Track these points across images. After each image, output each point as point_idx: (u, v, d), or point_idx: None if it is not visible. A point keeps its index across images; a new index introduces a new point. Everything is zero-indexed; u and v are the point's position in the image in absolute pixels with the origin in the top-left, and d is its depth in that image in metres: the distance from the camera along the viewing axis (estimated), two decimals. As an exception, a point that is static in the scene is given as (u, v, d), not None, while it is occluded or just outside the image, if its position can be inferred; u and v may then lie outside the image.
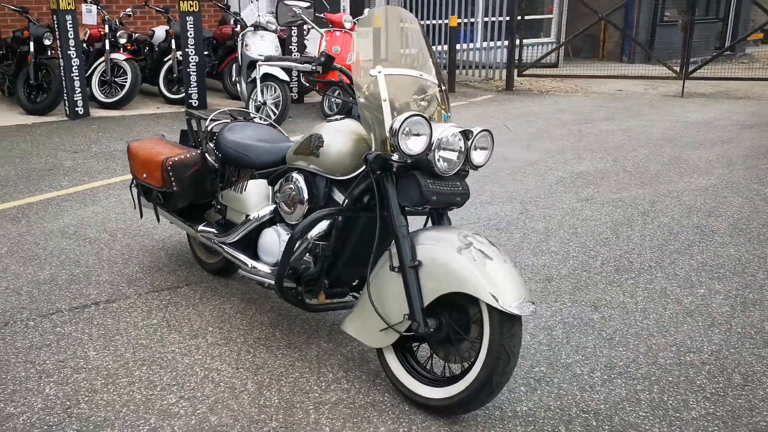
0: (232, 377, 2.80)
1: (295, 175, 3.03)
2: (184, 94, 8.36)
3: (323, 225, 2.85)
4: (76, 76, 7.55)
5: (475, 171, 2.78)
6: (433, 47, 11.31)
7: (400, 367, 2.69)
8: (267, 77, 7.28)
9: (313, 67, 2.75)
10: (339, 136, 2.84)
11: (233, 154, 3.33)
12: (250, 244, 3.20)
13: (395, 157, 2.57)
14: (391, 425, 2.53)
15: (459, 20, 12.46)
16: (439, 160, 2.61)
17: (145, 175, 3.51)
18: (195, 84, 8.29)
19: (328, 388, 2.75)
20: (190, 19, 8.08)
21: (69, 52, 7.47)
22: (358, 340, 2.75)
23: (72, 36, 7.44)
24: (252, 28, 7.56)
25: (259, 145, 3.30)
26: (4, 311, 3.29)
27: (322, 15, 8.54)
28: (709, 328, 3.30)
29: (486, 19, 12.77)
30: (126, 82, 8.12)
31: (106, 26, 8.21)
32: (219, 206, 3.46)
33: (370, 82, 2.70)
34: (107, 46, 8.15)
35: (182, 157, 3.40)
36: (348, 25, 8.19)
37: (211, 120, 3.53)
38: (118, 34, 8.27)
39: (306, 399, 2.67)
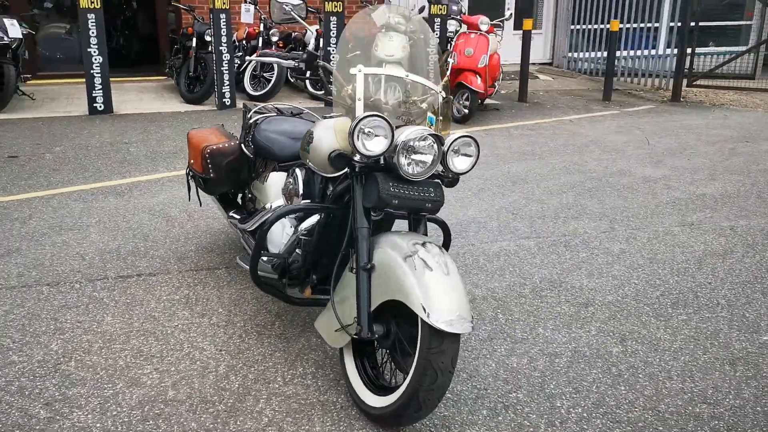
0: (211, 358, 2.94)
1: (297, 170, 3.10)
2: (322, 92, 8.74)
3: (312, 220, 2.89)
4: (225, 69, 8.20)
5: (451, 179, 2.67)
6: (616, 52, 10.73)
7: (354, 370, 2.66)
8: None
9: (296, 64, 2.79)
10: (326, 134, 2.85)
11: (262, 147, 3.46)
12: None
13: (357, 157, 2.54)
14: (329, 426, 2.51)
15: (633, 25, 11.73)
16: (408, 163, 2.54)
17: (192, 161, 3.77)
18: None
19: (291, 382, 2.78)
20: (333, 19, 8.42)
21: (221, 48, 8.13)
22: (323, 338, 2.76)
23: (224, 33, 8.08)
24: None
25: (283, 139, 3.40)
26: (61, 272, 3.71)
27: (458, 17, 8.49)
28: (746, 380, 2.87)
29: (672, 24, 11.83)
30: (273, 77, 8.66)
31: (261, 25, 8.81)
32: (250, 195, 3.62)
33: (352, 81, 2.68)
34: (260, 44, 8.75)
35: (221, 146, 3.61)
36: (484, 27, 8.06)
37: (255, 113, 3.70)
38: (270, 32, 8.83)
39: (264, 389, 2.73)
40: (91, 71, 7.68)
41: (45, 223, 4.41)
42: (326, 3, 8.40)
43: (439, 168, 2.67)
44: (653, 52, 11.87)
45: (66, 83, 9.64)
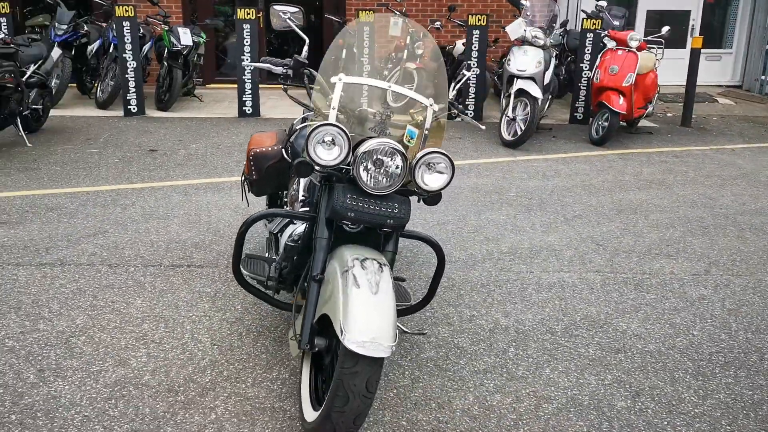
0: (200, 350, 3.05)
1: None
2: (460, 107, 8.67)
3: (301, 228, 2.91)
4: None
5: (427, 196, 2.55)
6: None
7: (306, 381, 2.62)
8: (521, 93, 7.15)
9: (284, 71, 2.79)
10: (299, 142, 2.84)
11: (295, 152, 3.53)
12: None
13: (317, 167, 2.51)
14: (265, 430, 2.51)
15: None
16: (369, 176, 2.47)
17: (245, 162, 3.94)
18: (474, 96, 8.54)
19: (259, 384, 2.82)
20: (476, 32, 8.33)
21: (362, 59, 8.37)
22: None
23: (367, 45, 8.31)
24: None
25: (312, 146, 3.44)
26: (126, 256, 4.06)
27: (606, 31, 7.97)
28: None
29: None
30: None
31: (408, 38, 8.93)
32: (286, 198, 3.71)
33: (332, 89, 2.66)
34: (405, 56, 8.88)
35: (265, 149, 3.73)
36: (634, 44, 7.50)
37: (302, 119, 3.78)
38: (415, 45, 8.93)
39: (230, 387, 2.79)
40: (243, 77, 8.29)
41: (140, 211, 4.85)
42: (470, 17, 8.35)
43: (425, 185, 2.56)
44: None
45: (235, 88, 10.47)
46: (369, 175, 2.47)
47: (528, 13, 7.51)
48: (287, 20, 2.86)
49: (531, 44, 7.30)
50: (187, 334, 3.19)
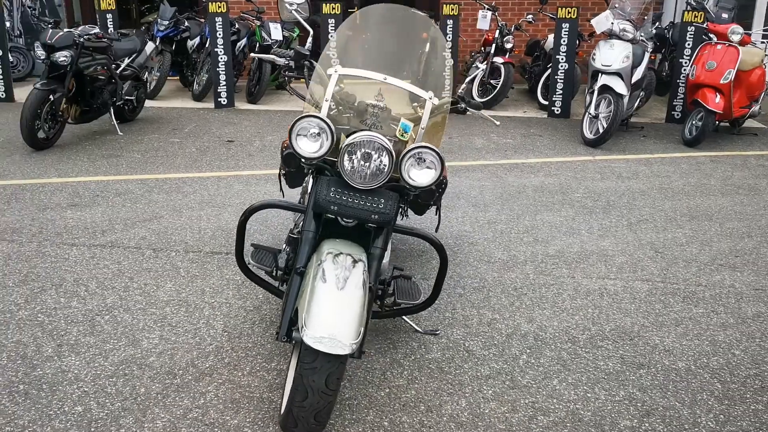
0: (210, 336, 3.12)
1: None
2: (547, 102, 8.39)
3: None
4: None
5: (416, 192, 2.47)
6: None
7: (291, 373, 2.61)
8: (605, 89, 6.80)
9: (287, 62, 2.75)
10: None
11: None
12: None
13: (303, 159, 2.49)
14: (249, 421, 2.53)
15: None
16: (353, 168, 2.42)
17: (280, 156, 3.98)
18: (561, 92, 8.22)
19: (255, 374, 2.84)
20: (565, 26, 8.01)
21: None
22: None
23: (450, 39, 8.20)
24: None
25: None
26: (172, 241, 4.22)
27: (704, 24, 7.41)
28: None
29: None
30: (498, 83, 8.54)
31: (497, 31, 8.73)
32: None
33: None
34: (492, 51, 8.69)
35: (296, 143, 3.75)
36: (735, 38, 6.94)
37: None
38: (504, 39, 8.71)
39: (226, 374, 2.83)
40: (327, 71, 8.40)
41: (199, 198, 5.03)
42: (559, 9, 8.03)
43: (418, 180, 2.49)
44: None
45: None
46: (354, 168, 2.42)
47: (617, 5, 7.12)
48: (293, 12, 2.86)
49: (619, 38, 6.92)
50: (203, 320, 3.27)
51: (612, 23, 6.90)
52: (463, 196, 5.25)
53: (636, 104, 7.56)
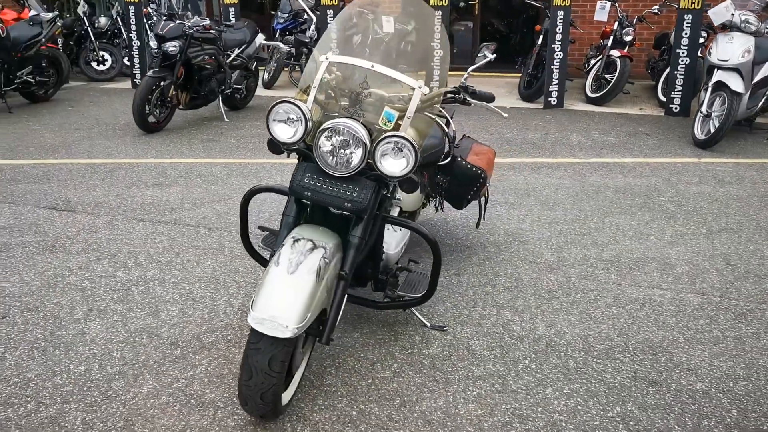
0: (225, 313, 3.24)
1: None
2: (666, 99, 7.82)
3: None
4: (556, 68, 8.00)
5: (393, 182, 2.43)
6: None
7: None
8: (719, 86, 6.24)
9: (289, 48, 2.74)
10: None
11: None
12: None
13: (282, 145, 2.52)
14: (224, 394, 2.60)
15: None
16: (329, 156, 2.42)
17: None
18: (680, 88, 7.64)
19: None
20: (688, 17, 7.43)
21: (553, 46, 7.95)
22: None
23: (560, 30, 7.88)
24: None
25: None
26: (230, 222, 4.41)
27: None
28: None
29: None
30: (612, 78, 8.09)
31: (616, 23, 8.27)
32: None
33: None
34: (610, 43, 8.24)
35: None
36: None
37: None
38: (623, 32, 8.22)
39: (223, 349, 2.94)
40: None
41: (271, 182, 5.19)
42: (682, 1, 7.46)
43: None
44: None
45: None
46: (327, 154, 2.42)
47: (740, -6, 6.49)
48: (299, 1, 2.88)
49: (740, 30, 6.31)
50: (224, 298, 3.40)
51: (732, 14, 6.31)
52: (534, 194, 5.04)
53: (761, 104, 6.85)
